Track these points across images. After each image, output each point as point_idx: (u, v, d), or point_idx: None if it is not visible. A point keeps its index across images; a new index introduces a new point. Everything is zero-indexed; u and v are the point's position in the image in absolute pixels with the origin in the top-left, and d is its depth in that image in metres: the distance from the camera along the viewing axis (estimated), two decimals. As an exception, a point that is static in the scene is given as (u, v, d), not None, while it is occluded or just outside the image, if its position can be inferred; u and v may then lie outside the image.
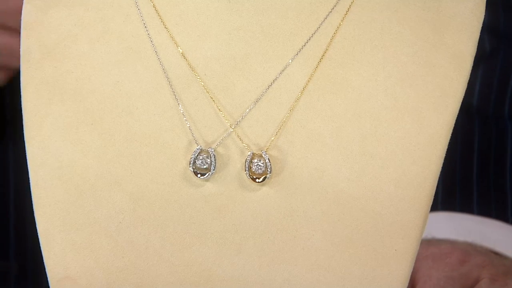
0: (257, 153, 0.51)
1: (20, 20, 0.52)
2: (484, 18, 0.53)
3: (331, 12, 0.53)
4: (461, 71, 0.53)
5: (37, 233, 0.50)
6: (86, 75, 0.51)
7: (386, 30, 0.53)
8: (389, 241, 0.51)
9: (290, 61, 0.52)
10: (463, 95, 0.53)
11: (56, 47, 0.51)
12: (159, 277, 0.51)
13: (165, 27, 0.52)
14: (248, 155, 0.51)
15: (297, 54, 0.52)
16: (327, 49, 0.52)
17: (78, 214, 0.50)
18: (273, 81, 0.52)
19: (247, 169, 0.51)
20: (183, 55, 0.52)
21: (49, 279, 0.51)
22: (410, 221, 0.51)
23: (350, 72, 0.52)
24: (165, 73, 0.52)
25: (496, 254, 0.77)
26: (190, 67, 0.52)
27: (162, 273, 0.51)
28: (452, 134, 0.53)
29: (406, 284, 0.51)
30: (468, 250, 0.75)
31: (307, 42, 0.52)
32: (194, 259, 0.51)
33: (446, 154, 0.53)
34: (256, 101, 0.52)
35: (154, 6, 0.52)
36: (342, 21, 0.52)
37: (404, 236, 0.51)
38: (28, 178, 0.51)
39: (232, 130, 0.51)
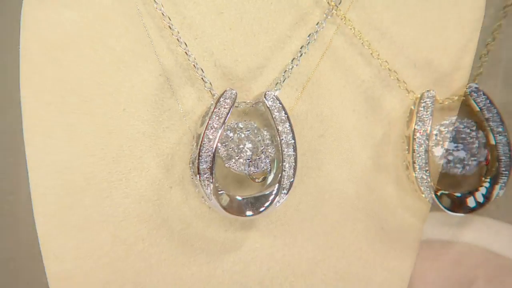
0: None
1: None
2: None
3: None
4: (460, 71, 0.53)
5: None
6: (86, 75, 0.51)
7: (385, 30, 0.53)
8: (389, 241, 0.51)
9: (290, 61, 0.52)
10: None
11: (55, 47, 0.51)
12: (159, 277, 0.51)
13: (165, 27, 0.52)
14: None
15: (296, 54, 0.52)
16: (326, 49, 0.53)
17: (78, 214, 0.50)
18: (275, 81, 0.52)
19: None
20: (183, 54, 0.52)
21: (48, 279, 0.50)
22: (410, 221, 0.51)
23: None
24: (165, 72, 0.51)
25: (491, 253, 0.77)
26: (190, 66, 0.51)
27: (162, 273, 0.51)
28: None
29: (407, 284, 0.51)
30: (463, 251, 0.75)
31: (306, 43, 0.52)
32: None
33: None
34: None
35: (154, 6, 0.52)
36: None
37: (404, 237, 0.51)
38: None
39: (231, 130, 0.51)
